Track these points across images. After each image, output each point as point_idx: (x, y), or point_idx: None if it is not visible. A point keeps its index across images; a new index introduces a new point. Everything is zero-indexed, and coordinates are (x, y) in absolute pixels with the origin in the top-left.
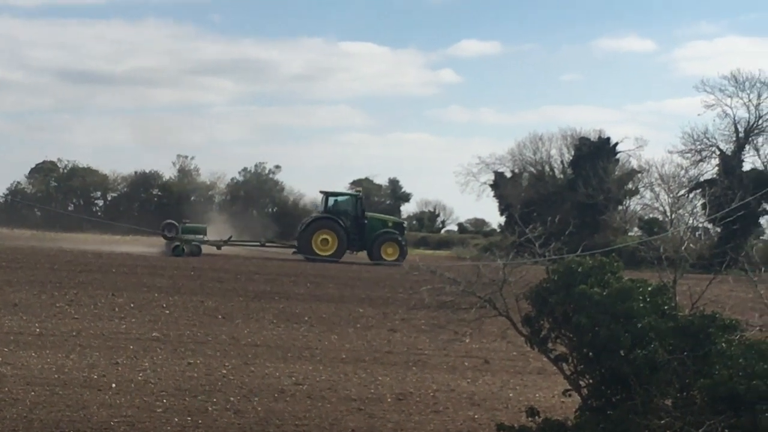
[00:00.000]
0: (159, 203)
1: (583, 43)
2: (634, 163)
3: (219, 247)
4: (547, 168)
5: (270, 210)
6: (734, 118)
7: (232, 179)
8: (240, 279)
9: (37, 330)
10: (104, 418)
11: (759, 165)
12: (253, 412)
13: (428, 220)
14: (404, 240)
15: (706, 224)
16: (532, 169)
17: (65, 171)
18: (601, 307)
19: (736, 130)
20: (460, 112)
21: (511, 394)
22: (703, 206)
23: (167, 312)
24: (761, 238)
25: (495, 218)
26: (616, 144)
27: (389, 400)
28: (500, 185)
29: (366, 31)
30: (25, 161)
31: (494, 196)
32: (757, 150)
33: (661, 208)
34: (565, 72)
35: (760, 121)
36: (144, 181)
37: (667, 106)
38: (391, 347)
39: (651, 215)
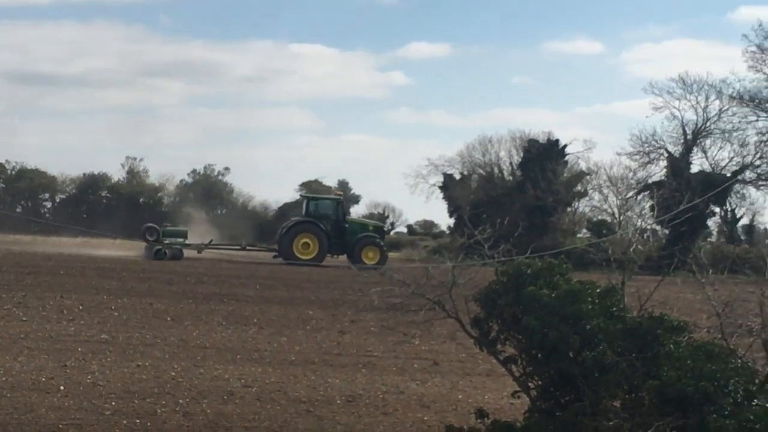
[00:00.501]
0: (108, 205)
1: (533, 46)
2: (583, 165)
3: (200, 251)
4: (496, 170)
5: (220, 212)
6: (682, 121)
7: (182, 181)
8: (189, 281)
9: None
10: (53, 421)
11: (707, 167)
12: (202, 415)
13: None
14: (384, 244)
15: (654, 226)
16: (482, 171)
17: (13, 173)
18: (550, 309)
19: (684, 133)
20: (409, 114)
21: (460, 396)
22: (652, 208)
23: (116, 314)
24: (709, 240)
25: (444, 220)
26: (565, 146)
27: (338, 402)
28: (449, 187)
29: (315, 33)
30: None
31: (443, 198)
32: (704, 152)
33: (609, 210)
34: (515, 75)
35: (708, 124)
36: (92, 182)
37: (615, 108)
38: (341, 349)
39: (599, 217)
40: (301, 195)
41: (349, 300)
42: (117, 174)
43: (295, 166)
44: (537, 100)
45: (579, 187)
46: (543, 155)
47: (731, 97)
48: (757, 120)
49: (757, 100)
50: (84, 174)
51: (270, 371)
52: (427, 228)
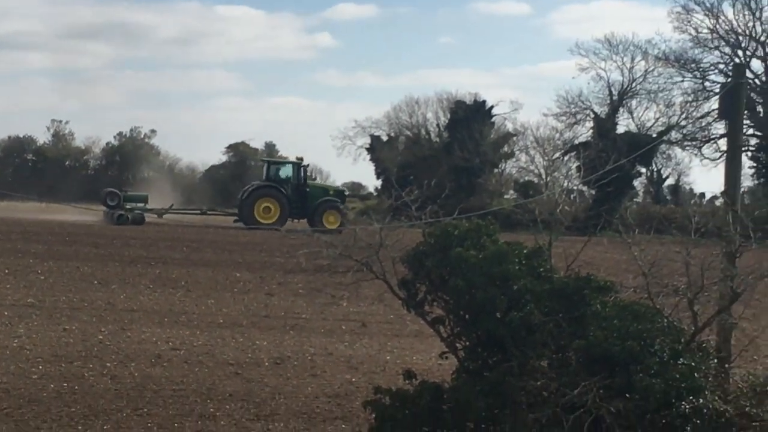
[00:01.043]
0: (34, 168)
1: (460, 6)
2: (510, 127)
3: (160, 215)
4: (423, 131)
5: (146, 174)
6: (608, 81)
7: (108, 144)
8: (116, 244)
9: None
10: None
11: (633, 128)
12: (129, 378)
13: None
14: (345, 208)
15: (580, 187)
16: (408, 133)
17: None
18: (477, 270)
19: (610, 93)
20: (336, 76)
21: (388, 357)
22: (578, 169)
23: (42, 278)
24: (635, 200)
25: (371, 182)
26: (492, 107)
27: (267, 364)
28: (376, 149)
29: None
30: None
31: (371, 160)
32: (630, 113)
33: (536, 171)
34: (442, 35)
35: (634, 84)
36: (18, 146)
37: (542, 69)
38: (269, 311)
39: (526, 178)
40: (261, 159)
41: (277, 262)
42: (42, 137)
43: (222, 129)
44: (464, 60)
45: (506, 149)
46: (470, 117)
47: (657, 58)
48: (682, 81)
49: (682, 61)
50: (9, 137)
51: (198, 334)
52: (355, 190)
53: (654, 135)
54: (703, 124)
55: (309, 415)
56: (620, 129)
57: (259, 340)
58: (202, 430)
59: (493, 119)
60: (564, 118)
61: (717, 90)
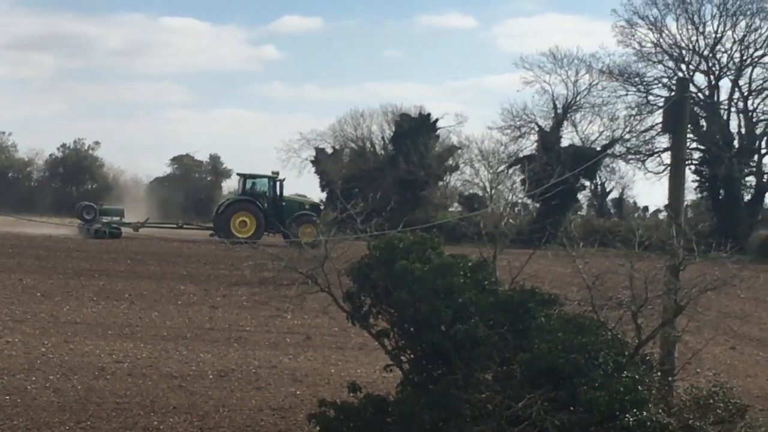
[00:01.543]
0: None
1: (405, 20)
2: (455, 139)
3: (136, 229)
4: (368, 144)
5: (90, 186)
6: (553, 95)
7: (51, 155)
8: (59, 256)
9: None
10: None
11: (577, 141)
12: (72, 391)
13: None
14: (321, 222)
15: (525, 200)
16: (353, 145)
17: None
18: (422, 283)
19: (555, 107)
20: (282, 88)
21: (332, 370)
22: (522, 182)
23: None
24: (579, 213)
25: (316, 194)
26: (437, 120)
27: (211, 376)
28: (321, 161)
29: (186, 7)
30: None
31: (315, 172)
32: (575, 126)
33: (481, 184)
34: (387, 48)
35: (578, 98)
36: None
37: (486, 82)
38: (213, 324)
39: (471, 191)
40: (237, 173)
41: (221, 275)
42: None
43: (167, 141)
44: (409, 73)
45: (450, 161)
46: (415, 129)
47: (601, 72)
48: (626, 94)
49: (626, 75)
50: None
51: (141, 346)
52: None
53: (598, 148)
54: (647, 137)
55: (253, 428)
56: (564, 142)
57: (203, 353)
58: None
59: (438, 132)
60: (508, 131)
61: (661, 104)
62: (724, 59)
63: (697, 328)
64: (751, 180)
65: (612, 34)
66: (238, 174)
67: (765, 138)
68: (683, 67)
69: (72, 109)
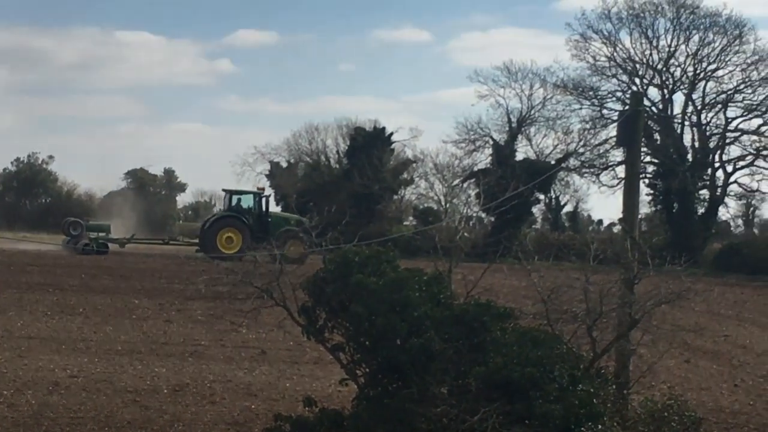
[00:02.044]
0: None
1: (360, 34)
2: (409, 153)
3: (122, 245)
4: (322, 158)
5: (43, 201)
6: (507, 109)
7: (5, 169)
8: (13, 270)
9: None
10: None
11: (531, 154)
12: (26, 406)
13: (204, 210)
14: (306, 238)
15: (480, 213)
16: (308, 159)
17: None
18: (377, 297)
19: (509, 120)
20: (236, 102)
21: (288, 384)
22: (477, 196)
23: None
24: (534, 227)
25: (271, 208)
26: (391, 134)
27: (165, 391)
28: (276, 175)
29: (142, 20)
30: None
31: (270, 186)
32: (529, 140)
33: (435, 198)
34: (342, 62)
35: (532, 111)
36: None
37: (442, 96)
38: (168, 338)
39: (426, 205)
40: (223, 189)
41: (176, 289)
42: None
43: (122, 155)
44: (364, 87)
45: (405, 175)
46: (369, 143)
47: (555, 86)
48: (580, 108)
49: (580, 89)
50: None
51: (96, 361)
52: None
53: (552, 162)
54: (601, 151)
55: None
56: (519, 156)
57: (158, 368)
58: None
59: (393, 146)
60: (463, 144)
61: (615, 117)
62: (678, 73)
63: (651, 341)
64: (704, 193)
65: (566, 48)
66: (223, 190)
67: (718, 152)
68: (637, 81)
69: (26, 123)
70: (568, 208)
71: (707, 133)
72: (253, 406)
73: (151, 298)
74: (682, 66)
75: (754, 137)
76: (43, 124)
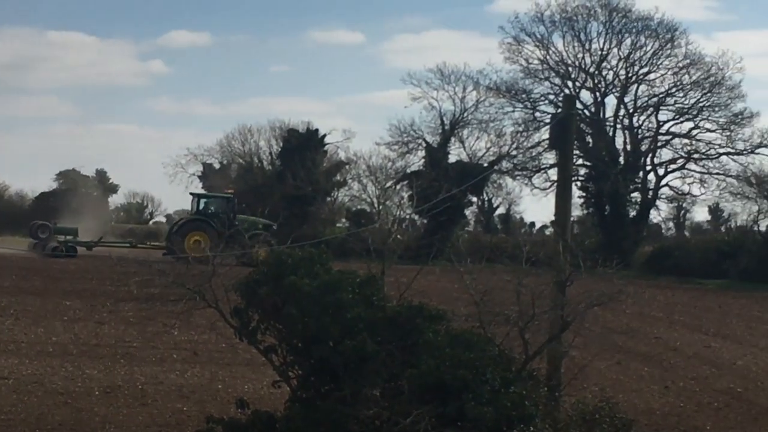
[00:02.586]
0: None
1: (293, 35)
2: (342, 155)
3: (90, 248)
4: (255, 159)
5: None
6: (440, 111)
7: None
8: None
9: None
10: None
11: (464, 157)
12: None
13: (136, 211)
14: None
15: (413, 216)
16: (241, 161)
17: None
18: (310, 299)
19: (442, 123)
20: (169, 103)
21: (220, 386)
22: (410, 198)
23: None
24: (466, 229)
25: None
26: (325, 136)
27: (97, 393)
28: (209, 177)
29: (75, 21)
30: None
31: (203, 188)
32: (462, 142)
33: (368, 200)
34: (275, 63)
35: (465, 114)
36: None
37: (375, 98)
38: (99, 340)
39: (359, 206)
40: (191, 193)
41: (108, 290)
42: None
43: (53, 156)
44: (297, 89)
45: (338, 177)
46: (302, 145)
47: (488, 88)
48: (513, 111)
49: (513, 91)
50: None
51: (27, 362)
52: None
53: (485, 164)
54: (534, 154)
55: None
56: (452, 158)
57: (90, 369)
58: None
59: (326, 148)
60: (396, 147)
61: (547, 120)
62: (610, 76)
63: (583, 343)
64: (636, 196)
65: (499, 51)
66: (191, 194)
67: (650, 155)
68: (569, 83)
69: None
70: (501, 210)
71: (639, 137)
72: (185, 408)
73: (82, 300)
74: (615, 69)
75: (686, 140)
76: None
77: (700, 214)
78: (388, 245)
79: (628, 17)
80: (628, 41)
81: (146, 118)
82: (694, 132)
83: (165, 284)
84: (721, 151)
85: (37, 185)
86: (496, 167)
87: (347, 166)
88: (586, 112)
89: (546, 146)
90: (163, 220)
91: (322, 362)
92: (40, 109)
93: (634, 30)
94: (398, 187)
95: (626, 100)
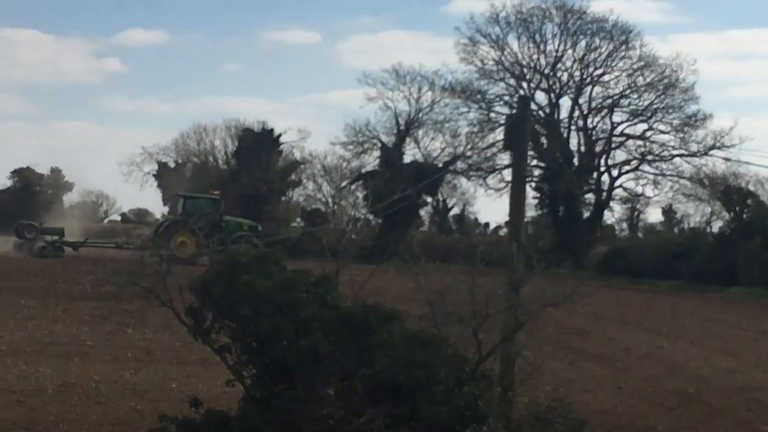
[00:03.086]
0: None
1: (249, 34)
2: (298, 155)
3: (76, 248)
4: (210, 159)
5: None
6: (395, 111)
7: None
8: None
9: None
10: None
11: (419, 157)
12: None
13: (90, 210)
14: (259, 242)
15: (367, 215)
16: (196, 160)
17: None
18: (264, 298)
19: (397, 123)
20: (124, 101)
21: (173, 385)
22: (365, 198)
23: None
24: (421, 229)
25: (159, 208)
26: (280, 135)
27: (50, 391)
28: (164, 175)
29: (30, 19)
30: None
31: (158, 186)
32: (417, 142)
33: (323, 200)
34: (230, 62)
35: (421, 114)
36: None
37: (331, 98)
38: (53, 338)
39: (314, 206)
40: (177, 194)
41: (62, 289)
42: None
43: (7, 154)
44: (253, 88)
45: (293, 177)
46: (257, 144)
47: (443, 89)
48: (468, 111)
49: (468, 92)
50: None
51: None
52: (142, 216)
53: (440, 165)
54: (488, 154)
55: None
56: (407, 158)
57: (43, 368)
58: None
59: (281, 147)
60: (351, 147)
61: (502, 121)
62: (565, 78)
63: (537, 343)
64: (590, 197)
65: (455, 52)
66: (177, 195)
67: (604, 156)
68: (524, 85)
69: None
70: (456, 210)
71: (593, 138)
72: (138, 407)
73: (36, 298)
74: (569, 71)
75: (640, 142)
76: None
77: (653, 216)
78: (342, 245)
79: (583, 19)
80: (583, 43)
81: (101, 116)
82: (648, 134)
83: (119, 283)
84: (675, 152)
85: None
86: (450, 168)
87: (302, 166)
88: (540, 113)
89: (501, 147)
90: (118, 218)
91: (275, 361)
92: None
93: (588, 32)
94: (353, 187)
95: (581, 101)
